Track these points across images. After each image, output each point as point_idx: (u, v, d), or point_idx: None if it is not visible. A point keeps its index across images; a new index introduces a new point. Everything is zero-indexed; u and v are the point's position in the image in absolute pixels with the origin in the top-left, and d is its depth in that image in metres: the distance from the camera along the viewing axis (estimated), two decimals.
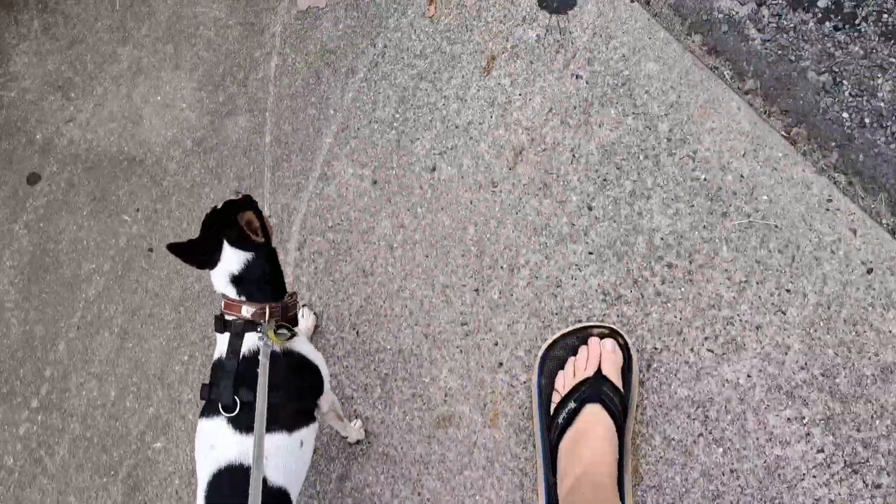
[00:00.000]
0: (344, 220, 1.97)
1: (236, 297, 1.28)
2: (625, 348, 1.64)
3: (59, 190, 2.28)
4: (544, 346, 1.70)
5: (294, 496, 1.31)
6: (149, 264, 2.10)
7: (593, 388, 1.56)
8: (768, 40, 1.77)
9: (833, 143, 1.68)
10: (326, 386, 1.47)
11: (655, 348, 1.64)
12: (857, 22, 1.72)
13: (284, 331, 1.31)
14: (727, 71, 1.79)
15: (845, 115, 1.69)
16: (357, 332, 1.90)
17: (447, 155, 1.92)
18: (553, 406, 1.62)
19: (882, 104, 1.67)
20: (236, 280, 1.28)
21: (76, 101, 2.36)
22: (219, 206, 1.32)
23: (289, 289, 1.40)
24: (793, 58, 1.75)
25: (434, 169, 1.92)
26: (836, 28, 1.73)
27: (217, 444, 1.24)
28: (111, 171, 2.23)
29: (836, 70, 1.71)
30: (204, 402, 1.29)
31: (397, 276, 1.89)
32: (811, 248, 1.62)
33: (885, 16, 1.70)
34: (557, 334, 1.70)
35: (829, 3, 1.74)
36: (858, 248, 1.59)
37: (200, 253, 1.30)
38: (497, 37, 1.94)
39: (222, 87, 2.19)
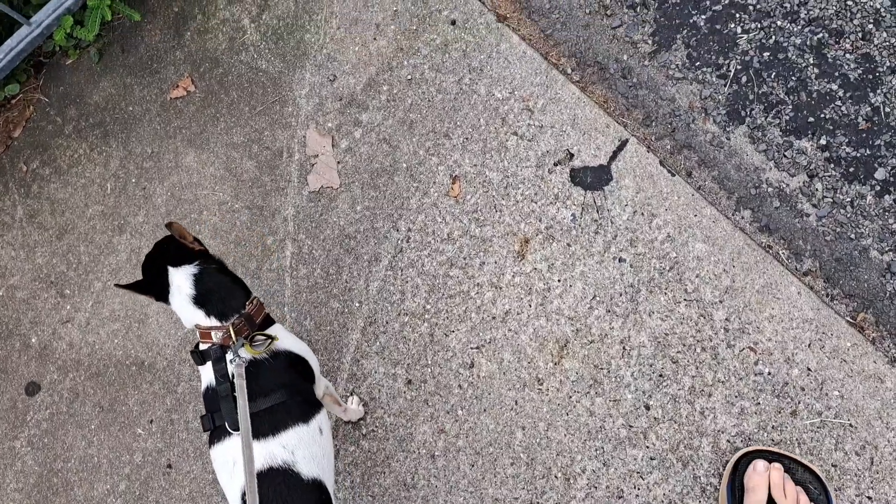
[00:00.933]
0: (379, 425, 2.33)
1: (206, 322, 1.67)
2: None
3: (63, 401, 2.68)
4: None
5: (330, 486, 1.68)
6: (168, 483, 2.48)
7: None
8: (824, 216, 2.13)
9: None
10: (317, 372, 1.86)
11: None
12: None
13: (261, 338, 1.69)
14: (783, 251, 2.15)
15: None
16: None
17: (485, 349, 2.28)
18: None
19: None
20: (196, 300, 1.67)
21: (72, 299, 2.78)
22: (149, 251, 1.78)
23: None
24: (852, 235, 2.10)
25: (472, 365, 2.29)
26: None
27: (239, 459, 1.59)
28: (119, 378, 2.64)
29: None
30: (208, 433, 1.68)
31: (441, 490, 2.24)
32: (891, 450, 1.95)
33: None
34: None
35: (888, 175, 2.10)
36: None
37: (150, 291, 1.72)
38: (529, 217, 2.32)
39: None
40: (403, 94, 2.54)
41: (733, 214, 2.22)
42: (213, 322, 1.67)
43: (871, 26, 2.20)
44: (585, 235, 2.28)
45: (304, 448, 1.63)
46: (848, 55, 2.20)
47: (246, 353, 1.64)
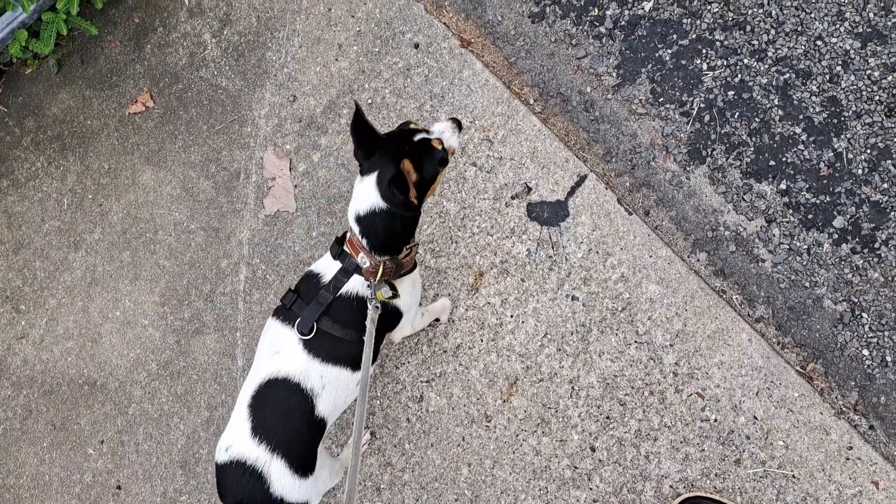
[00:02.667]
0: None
1: (359, 239, 1.77)
2: None
3: (17, 417, 2.83)
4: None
5: (329, 425, 1.85)
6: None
7: None
8: (780, 263, 2.24)
9: (852, 383, 2.14)
10: (403, 321, 2.00)
11: None
12: (876, 245, 2.18)
13: (388, 290, 1.84)
14: (736, 296, 2.27)
15: (865, 351, 2.15)
16: None
17: (435, 383, 2.42)
18: None
19: None
20: (360, 220, 1.76)
21: (27, 315, 2.93)
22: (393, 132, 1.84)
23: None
24: (807, 284, 2.22)
25: (422, 398, 2.42)
26: (853, 251, 2.20)
27: (283, 352, 1.77)
28: (71, 397, 2.78)
29: (855, 300, 2.17)
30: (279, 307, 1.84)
31: None
32: (831, 503, 2.07)
33: None
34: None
35: (846, 224, 2.20)
36: (881, 502, 2.04)
37: (367, 148, 1.75)
38: (484, 250, 2.44)
39: (187, 302, 2.74)
40: None
41: (689, 256, 2.33)
42: (364, 243, 1.77)
43: (839, 68, 2.29)
44: (540, 271, 2.40)
45: (333, 389, 1.80)
46: (814, 97, 2.30)
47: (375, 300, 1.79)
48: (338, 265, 1.81)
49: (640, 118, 2.43)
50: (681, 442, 2.19)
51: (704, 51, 2.41)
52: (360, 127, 1.73)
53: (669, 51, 2.44)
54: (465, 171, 2.48)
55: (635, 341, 2.28)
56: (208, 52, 2.86)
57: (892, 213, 2.18)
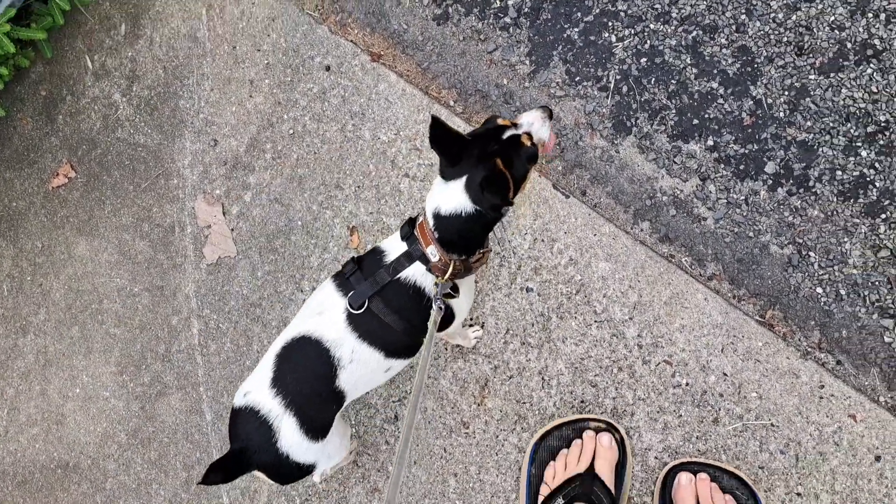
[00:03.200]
0: (312, 493, 2.47)
1: (432, 231, 1.74)
2: (620, 444, 2.17)
3: None
4: (538, 433, 2.24)
5: (347, 401, 1.85)
6: None
7: (583, 487, 2.07)
8: (721, 218, 2.28)
9: (812, 322, 2.18)
10: (456, 321, 1.98)
11: None
12: (810, 184, 2.23)
13: (449, 290, 1.82)
14: (685, 258, 2.30)
15: (819, 289, 2.20)
16: None
17: (408, 400, 2.42)
18: (541, 499, 2.14)
19: (855, 271, 2.17)
20: (440, 218, 1.72)
21: None
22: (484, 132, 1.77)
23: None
24: (751, 233, 2.26)
25: (397, 418, 2.43)
26: (789, 193, 2.24)
27: (325, 315, 1.78)
28: (46, 484, 2.75)
29: (800, 241, 2.22)
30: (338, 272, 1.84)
31: None
32: (814, 444, 2.11)
33: (839, 173, 2.20)
34: (553, 424, 2.24)
35: (778, 168, 2.25)
36: (861, 434, 2.08)
37: (451, 152, 1.68)
38: None
39: (145, 366, 2.71)
40: (288, 149, 2.66)
41: (632, 228, 2.36)
42: (437, 236, 1.74)
43: (743, 16, 2.34)
44: (491, 269, 2.41)
45: (359, 367, 1.80)
46: (724, 50, 2.34)
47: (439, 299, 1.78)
48: (403, 247, 1.78)
49: (560, 100, 2.46)
50: (657, 412, 2.22)
51: (610, 23, 2.44)
52: (442, 137, 1.65)
53: (576, 29, 2.47)
54: (399, 183, 2.50)
55: (595, 321, 2.31)
56: (121, 112, 2.85)
57: (821, 150, 2.23)
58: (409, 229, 1.80)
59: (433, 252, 1.74)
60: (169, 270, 2.71)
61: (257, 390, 1.74)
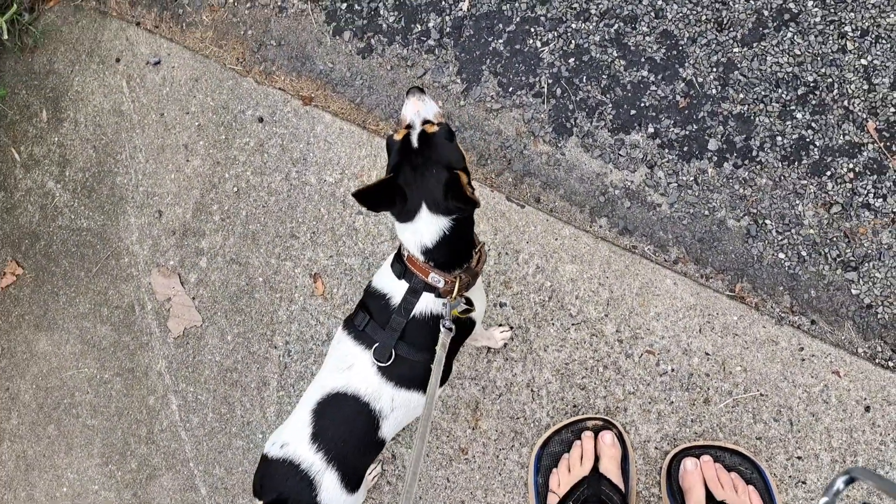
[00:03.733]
0: None
1: (423, 262, 1.72)
2: (620, 439, 2.21)
3: None
4: (538, 443, 2.27)
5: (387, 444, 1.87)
6: None
7: (591, 489, 2.11)
8: (675, 202, 2.33)
9: (781, 288, 2.25)
10: (477, 329, 1.97)
11: None
12: (754, 154, 2.29)
13: (464, 305, 1.79)
14: (647, 247, 2.35)
15: (781, 255, 2.26)
16: None
17: (401, 437, 2.43)
18: None
19: (812, 231, 2.24)
20: (429, 251, 1.69)
21: None
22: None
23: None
24: (706, 212, 2.31)
25: (394, 457, 2.43)
26: (736, 166, 2.30)
27: (356, 368, 1.76)
28: None
29: (754, 210, 2.28)
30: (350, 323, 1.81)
31: None
32: (804, 406, 2.17)
33: (779, 138, 2.27)
34: (551, 430, 2.27)
35: (720, 144, 2.31)
36: (847, 388, 2.15)
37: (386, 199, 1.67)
38: None
39: (129, 452, 2.67)
40: (236, 207, 2.65)
41: (591, 226, 2.40)
42: (432, 264, 1.71)
43: (660, 2, 2.40)
44: None
45: (403, 412, 1.81)
46: (648, 38, 2.40)
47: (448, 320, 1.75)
48: (404, 284, 1.76)
49: (498, 113, 2.50)
50: (649, 403, 2.26)
51: (533, 29, 2.48)
52: (375, 196, 1.61)
53: (501, 40, 2.51)
54: (354, 222, 2.50)
55: (572, 324, 2.34)
56: (58, 199, 2.81)
57: (757, 119, 2.29)
58: (401, 266, 1.78)
59: (436, 278, 1.72)
60: (136, 351, 2.68)
61: (296, 444, 1.74)
